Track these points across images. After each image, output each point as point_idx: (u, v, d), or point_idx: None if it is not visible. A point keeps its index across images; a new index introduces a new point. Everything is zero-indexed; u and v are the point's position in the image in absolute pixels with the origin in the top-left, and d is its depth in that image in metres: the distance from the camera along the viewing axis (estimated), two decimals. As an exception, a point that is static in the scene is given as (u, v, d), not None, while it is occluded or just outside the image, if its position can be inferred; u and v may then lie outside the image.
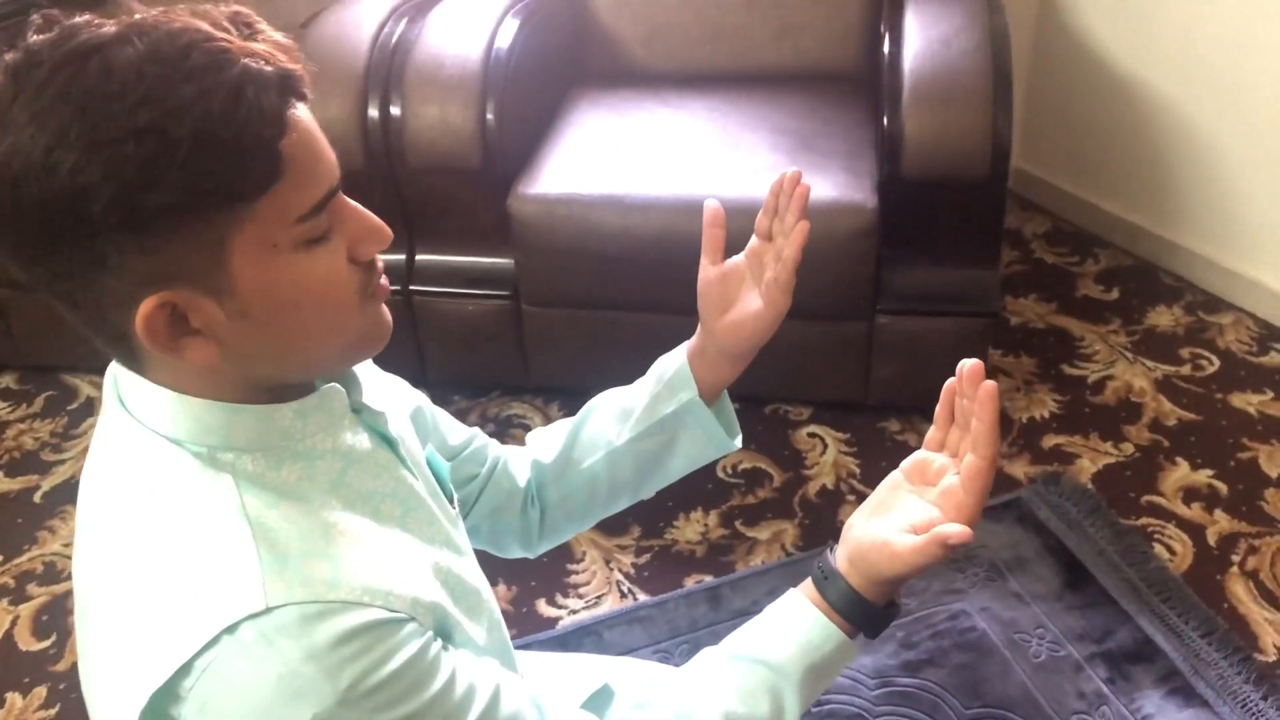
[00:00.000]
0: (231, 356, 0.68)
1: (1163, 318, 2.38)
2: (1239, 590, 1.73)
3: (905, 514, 0.81)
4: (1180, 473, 1.97)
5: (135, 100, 0.59)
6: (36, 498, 2.10)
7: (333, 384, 0.76)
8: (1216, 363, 2.23)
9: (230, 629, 0.63)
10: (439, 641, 0.71)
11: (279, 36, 0.67)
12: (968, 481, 0.77)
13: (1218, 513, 1.88)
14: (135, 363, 0.70)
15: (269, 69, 0.63)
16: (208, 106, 0.60)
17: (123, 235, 0.61)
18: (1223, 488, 1.93)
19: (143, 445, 0.70)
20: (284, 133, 0.63)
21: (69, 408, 2.34)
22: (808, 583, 0.85)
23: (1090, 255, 2.62)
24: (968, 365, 0.79)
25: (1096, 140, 2.65)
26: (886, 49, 2.03)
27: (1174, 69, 2.40)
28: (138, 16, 0.63)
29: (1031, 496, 1.91)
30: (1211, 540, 1.83)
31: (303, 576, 0.65)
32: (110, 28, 0.62)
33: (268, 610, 0.63)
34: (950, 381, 0.81)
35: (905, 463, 0.85)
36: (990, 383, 0.77)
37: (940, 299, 1.98)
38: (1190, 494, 1.92)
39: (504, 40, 2.05)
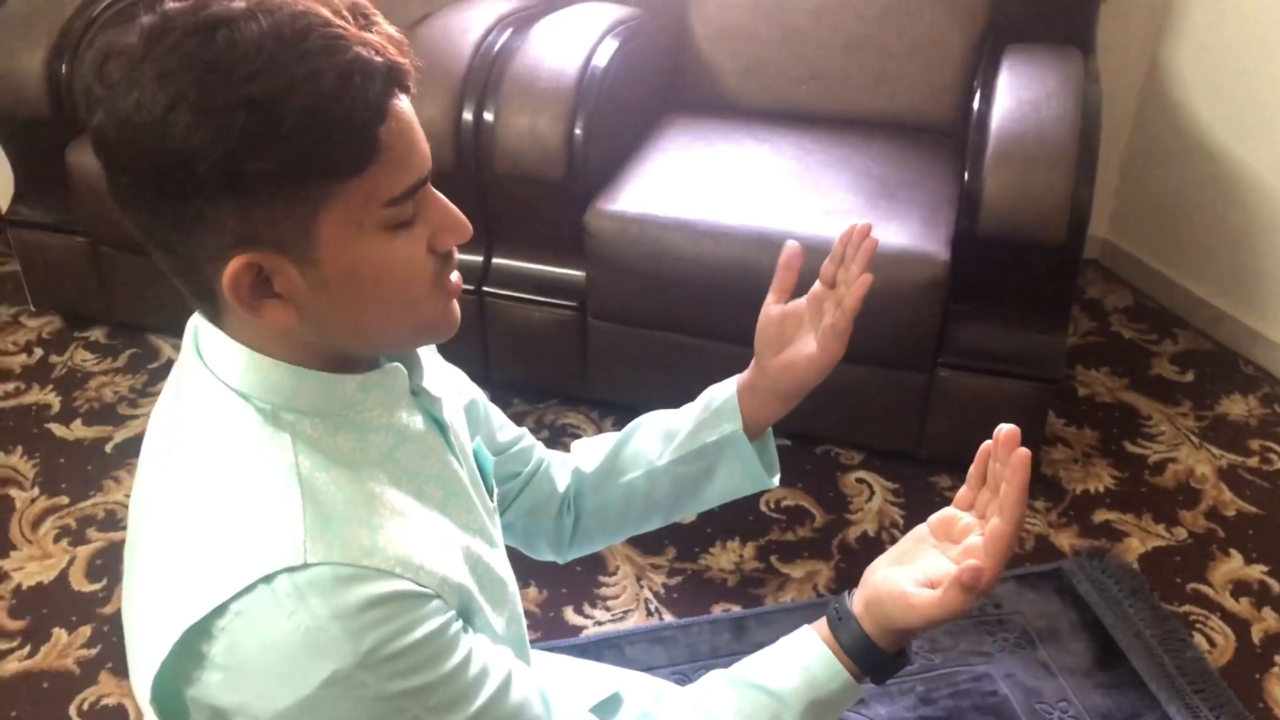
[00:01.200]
0: (307, 323, 0.72)
1: (1236, 406, 2.33)
2: (1278, 693, 1.69)
3: (925, 567, 0.82)
4: (1232, 564, 1.92)
5: (251, 72, 0.63)
6: (108, 448, 2.20)
7: (396, 364, 0.80)
8: (1286, 458, 2.18)
9: (267, 578, 0.66)
10: (460, 622, 0.74)
11: (393, 30, 0.71)
12: (990, 544, 0.78)
13: (1266, 610, 1.83)
14: (217, 317, 0.74)
15: (378, 59, 0.67)
16: (316, 87, 0.64)
17: (223, 196, 0.65)
18: (1275, 585, 1.88)
19: (212, 394, 0.74)
20: (383, 120, 0.67)
21: (149, 366, 2.44)
22: (822, 621, 0.87)
23: (1169, 335, 2.58)
24: (1004, 430, 0.80)
25: (1188, 220, 2.61)
26: (977, 106, 2.04)
27: (1273, 156, 2.36)
28: None
29: (1073, 569, 1.88)
30: (1255, 637, 1.79)
31: (342, 539, 0.69)
32: (240, 3, 0.66)
33: (305, 566, 0.66)
34: (986, 444, 0.82)
35: (933, 518, 0.86)
36: (1024, 450, 0.78)
37: (1003, 359, 1.97)
38: (1240, 587, 1.88)
39: (601, 59, 2.10)
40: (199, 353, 0.76)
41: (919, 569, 0.82)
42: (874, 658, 0.84)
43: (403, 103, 0.70)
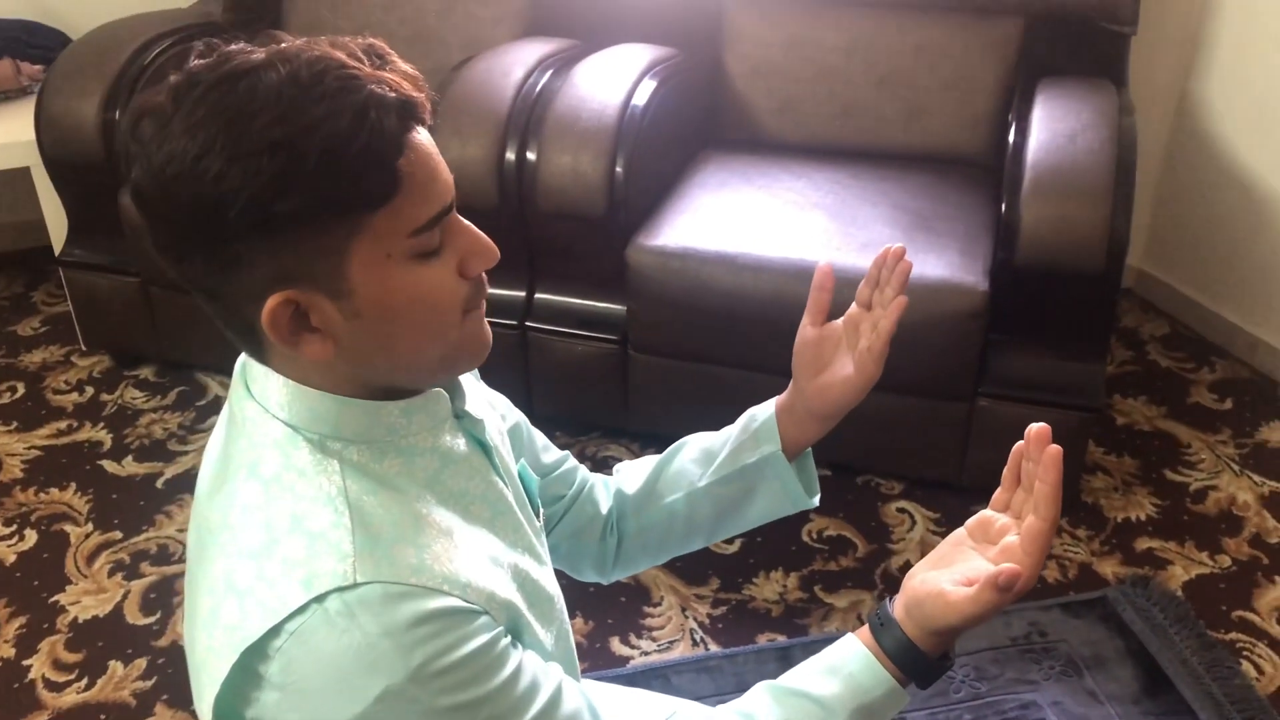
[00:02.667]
0: (345, 354, 0.75)
1: (1275, 433, 2.33)
2: (1328, 719, 1.68)
3: (963, 568, 0.83)
4: (1277, 592, 1.92)
5: (273, 118, 0.67)
6: (159, 484, 2.24)
7: (438, 389, 0.83)
8: (1328, 485, 2.18)
9: (320, 599, 0.69)
10: (509, 637, 0.76)
11: (407, 67, 0.75)
12: (1027, 542, 0.79)
13: (1313, 638, 1.83)
14: (261, 354, 0.78)
15: (392, 95, 0.70)
16: (334, 126, 0.68)
17: (255, 238, 0.69)
18: (1321, 613, 1.88)
19: (262, 427, 0.77)
20: (401, 152, 0.70)
21: (198, 403, 2.49)
22: (864, 628, 0.88)
23: (1207, 363, 2.58)
24: (1035, 428, 0.81)
25: (1222, 248, 2.62)
26: (1012, 138, 2.06)
27: (1310, 184, 2.37)
28: (284, 45, 0.72)
29: (1117, 597, 1.88)
30: (1304, 665, 1.78)
31: (390, 559, 0.71)
32: (259, 55, 0.70)
33: (355, 585, 0.69)
34: (1018, 444, 0.84)
35: (970, 521, 0.87)
36: (1055, 447, 0.79)
37: (1043, 388, 1.98)
38: (1286, 615, 1.88)
39: (641, 99, 2.15)
40: (248, 388, 0.79)
41: (957, 570, 0.83)
42: (917, 661, 0.85)
43: (421, 135, 0.73)
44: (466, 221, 0.78)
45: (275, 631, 0.69)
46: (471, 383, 0.93)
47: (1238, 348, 2.59)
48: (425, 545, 0.74)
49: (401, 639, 0.69)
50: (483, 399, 0.94)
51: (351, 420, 0.77)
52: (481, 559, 0.78)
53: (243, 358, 0.82)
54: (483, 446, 0.87)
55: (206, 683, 0.73)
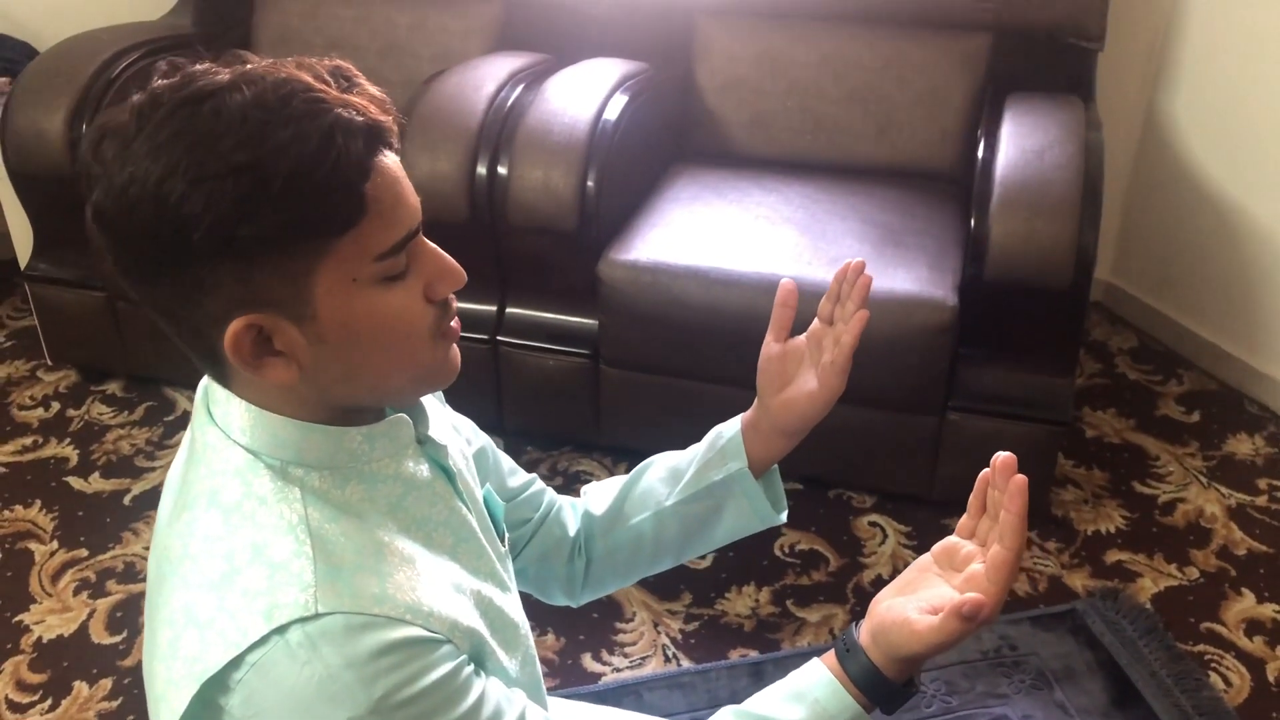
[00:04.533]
0: (309, 378, 0.74)
1: (1242, 445, 2.35)
2: (1294, 730, 1.70)
3: (928, 595, 0.83)
4: (1245, 604, 1.94)
5: (237, 141, 0.66)
6: (126, 500, 2.22)
7: (401, 414, 0.82)
8: (1294, 497, 2.20)
9: (280, 629, 0.68)
10: (472, 666, 0.76)
11: (375, 90, 0.74)
12: (992, 570, 0.79)
13: (1280, 649, 1.85)
14: (224, 378, 0.77)
15: (359, 119, 0.70)
16: (300, 150, 0.67)
17: (219, 261, 0.68)
18: (1288, 624, 1.90)
19: (223, 452, 0.76)
20: (367, 177, 0.70)
21: (166, 419, 2.46)
22: (830, 653, 0.88)
23: (1174, 376, 2.60)
24: (1001, 457, 0.81)
25: (1189, 261, 2.65)
26: (981, 153, 2.08)
27: (1273, 198, 2.40)
28: (249, 66, 0.71)
29: (1087, 609, 1.89)
30: (1271, 676, 1.79)
31: (352, 589, 0.71)
32: (224, 75, 0.70)
33: (316, 616, 0.68)
34: (984, 472, 0.84)
35: (936, 547, 0.87)
36: (1020, 476, 0.79)
37: (1012, 402, 2.00)
38: (1253, 626, 1.89)
39: (612, 113, 2.15)
40: (210, 414, 0.79)
41: (922, 597, 0.83)
42: (882, 687, 0.85)
43: (388, 159, 0.72)
44: (433, 244, 0.77)
45: (236, 663, 0.68)
46: (435, 406, 0.93)
47: (1205, 360, 2.62)
48: (387, 574, 0.73)
49: (364, 670, 0.68)
50: (446, 423, 0.94)
51: (314, 446, 0.76)
52: (444, 587, 0.78)
53: (205, 381, 0.81)
54: (446, 472, 0.87)
55: (166, 715, 0.72)
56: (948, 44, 2.42)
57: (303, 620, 0.68)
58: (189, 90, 0.68)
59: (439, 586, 0.77)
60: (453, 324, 0.80)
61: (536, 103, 2.16)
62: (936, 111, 2.42)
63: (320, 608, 0.69)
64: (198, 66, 0.72)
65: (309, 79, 0.70)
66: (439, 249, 0.78)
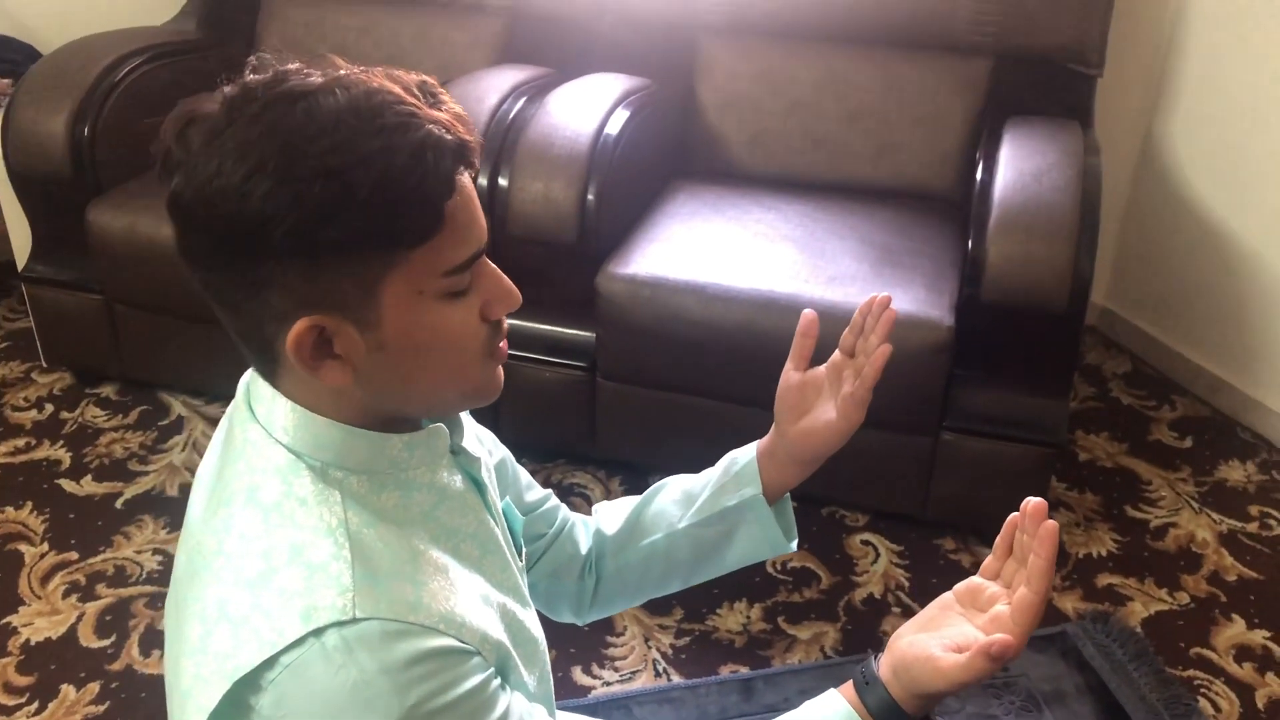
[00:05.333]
0: (362, 383, 0.75)
1: (1235, 472, 2.36)
2: (1283, 757, 1.70)
3: (951, 634, 0.83)
4: (1235, 630, 1.94)
5: (330, 145, 0.67)
6: (118, 504, 2.21)
7: (439, 424, 0.83)
8: (1285, 524, 2.21)
9: (317, 632, 0.68)
10: (499, 679, 0.76)
11: (459, 108, 0.75)
12: (1017, 613, 0.80)
13: (1270, 675, 1.84)
14: (273, 375, 0.77)
15: (448, 137, 0.70)
16: (390, 161, 0.68)
17: (293, 261, 0.69)
18: (1278, 651, 1.89)
19: (264, 450, 0.76)
20: (451, 194, 0.71)
21: (160, 423, 2.46)
22: (848, 685, 0.88)
23: (1168, 401, 2.61)
24: (1032, 503, 0.82)
25: (1185, 288, 2.66)
26: (979, 176, 2.09)
27: (1270, 227, 2.41)
28: (342, 71, 0.72)
29: (1078, 632, 1.89)
30: (1260, 703, 1.79)
31: (389, 595, 0.71)
32: (317, 78, 0.70)
33: (354, 621, 0.68)
34: (1013, 516, 0.85)
35: (959, 586, 0.87)
36: (1051, 523, 0.80)
37: (1007, 423, 2.00)
38: (1243, 653, 1.89)
39: (614, 128, 2.16)
40: (251, 409, 0.79)
41: (945, 635, 0.83)
42: None
43: (466, 178, 0.73)
44: (494, 266, 0.78)
45: (270, 663, 0.68)
46: (466, 419, 0.93)
47: (1198, 387, 2.63)
48: (423, 583, 0.74)
49: (398, 677, 0.68)
50: (474, 434, 0.94)
51: (355, 450, 0.77)
52: (475, 598, 0.78)
53: (247, 377, 0.81)
54: (477, 484, 0.87)
55: (193, 711, 0.71)
56: (948, 67, 2.44)
57: (340, 624, 0.68)
58: (283, 88, 0.69)
59: (470, 598, 0.77)
60: (501, 345, 0.81)
61: (538, 116, 2.17)
62: (936, 133, 2.43)
63: (358, 612, 0.69)
64: (290, 65, 0.72)
65: (400, 90, 0.71)
66: (499, 271, 0.79)
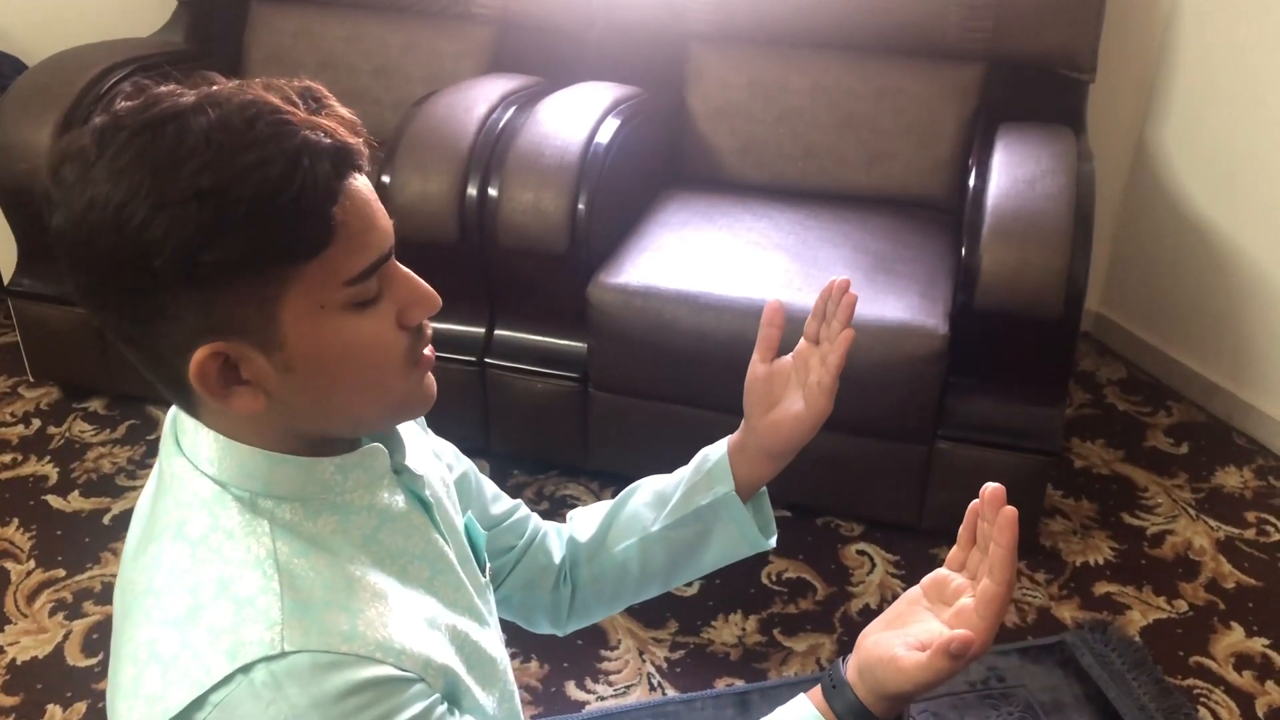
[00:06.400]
0: (277, 408, 0.72)
1: (1231, 478, 2.35)
2: (1284, 767, 1.68)
3: (916, 630, 0.81)
4: (1234, 637, 1.92)
5: (201, 164, 0.64)
6: (106, 519, 2.19)
7: (376, 444, 0.80)
8: (1283, 530, 2.19)
9: (245, 668, 0.66)
10: (445, 705, 0.74)
11: (345, 111, 0.72)
12: (981, 605, 0.77)
13: (1270, 684, 1.83)
14: (190, 407, 0.75)
15: (327, 141, 0.68)
16: (266, 173, 0.65)
17: (182, 288, 0.66)
18: (1277, 659, 1.88)
19: (190, 483, 0.74)
20: (335, 200, 0.68)
21: (148, 438, 2.44)
22: (817, 689, 0.86)
23: (1163, 407, 2.60)
24: (989, 489, 0.79)
25: (1179, 293, 2.65)
26: (972, 183, 2.08)
27: (1262, 231, 2.41)
28: (215, 88, 0.69)
29: (1076, 642, 1.88)
30: (1260, 711, 1.78)
31: (320, 626, 0.69)
32: (189, 98, 0.68)
33: (282, 655, 0.66)
34: (974, 503, 0.82)
35: (925, 579, 0.85)
36: (1010, 509, 0.77)
37: (1002, 431, 1.99)
38: (1242, 661, 1.88)
39: (604, 136, 2.14)
40: (178, 442, 0.77)
41: (910, 632, 0.81)
42: None
43: (358, 181, 0.71)
44: (406, 269, 0.75)
45: (199, 703, 0.66)
46: (414, 433, 0.90)
47: (1193, 392, 2.62)
48: (358, 610, 0.72)
49: (331, 710, 0.66)
50: (426, 450, 0.92)
51: (284, 478, 0.74)
52: (418, 622, 0.76)
53: (174, 410, 0.79)
54: (423, 503, 0.84)
55: None
56: (940, 74, 2.43)
57: (268, 659, 0.66)
58: (151, 113, 0.67)
59: (412, 623, 0.75)
60: (426, 352, 0.78)
61: (528, 125, 2.16)
62: (928, 140, 2.42)
63: (286, 646, 0.67)
64: (162, 88, 0.70)
65: (276, 100, 0.68)
66: (412, 274, 0.76)
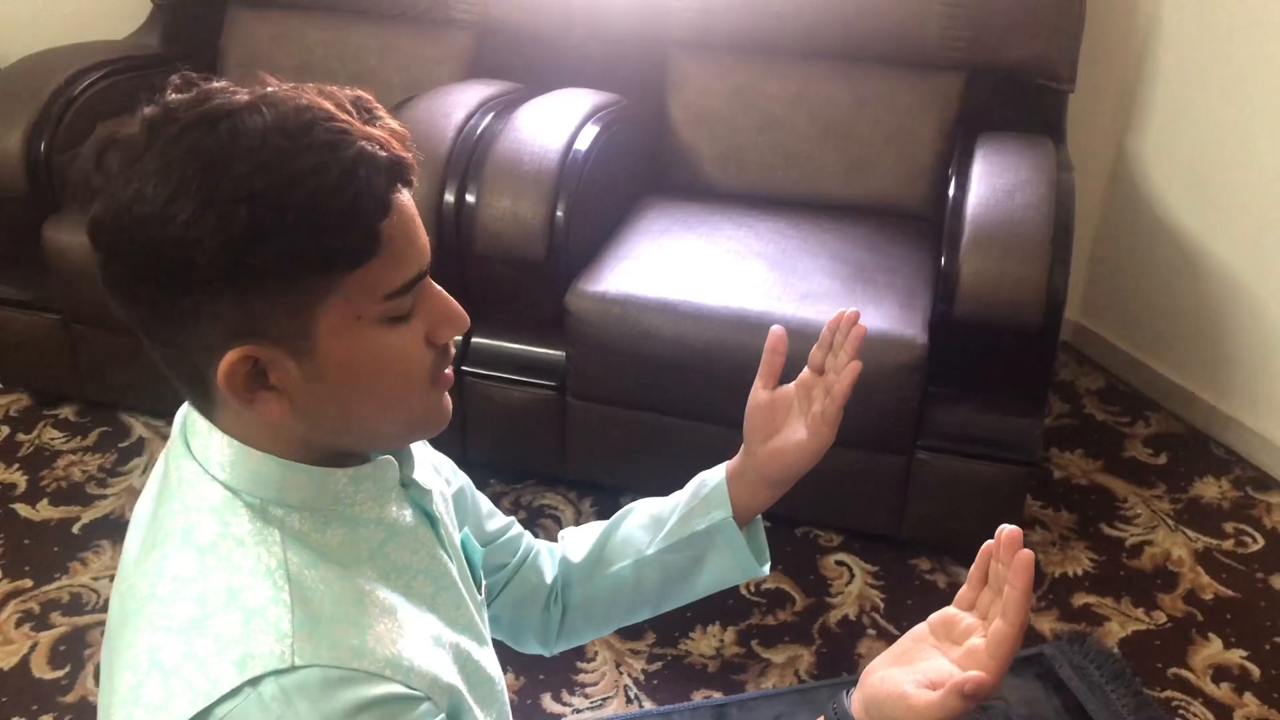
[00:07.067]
0: (300, 416, 0.71)
1: (1209, 489, 2.35)
2: (1262, 779, 1.68)
3: (925, 668, 0.79)
4: (1212, 649, 1.92)
5: (255, 166, 0.63)
6: (75, 529, 2.15)
7: (387, 456, 0.79)
8: (1261, 541, 2.19)
9: (254, 681, 0.64)
10: None
11: (395, 124, 0.71)
12: (993, 646, 0.76)
13: (1248, 696, 1.83)
14: (208, 408, 0.73)
15: (383, 154, 0.67)
16: (321, 181, 0.64)
17: (221, 288, 0.65)
18: (1255, 670, 1.88)
19: (200, 488, 0.73)
20: (386, 214, 0.67)
21: (120, 445, 2.40)
22: None
23: (1142, 417, 2.60)
24: (1006, 531, 0.78)
25: (1158, 304, 2.66)
26: (952, 192, 2.07)
27: (1241, 242, 2.41)
28: (269, 89, 0.68)
29: (1055, 654, 1.87)
30: (1238, 723, 1.78)
31: (331, 640, 0.67)
32: (243, 96, 0.67)
33: (292, 669, 0.65)
34: (988, 544, 0.81)
35: (933, 617, 0.83)
36: (1027, 551, 0.76)
37: (981, 442, 1.98)
38: (1220, 672, 1.87)
39: (583, 143, 2.13)
40: (188, 444, 0.75)
41: (919, 670, 0.79)
42: None
43: (404, 196, 0.70)
44: (439, 288, 0.75)
45: (204, 715, 0.65)
46: (418, 447, 0.89)
47: (1173, 402, 2.62)
48: (368, 626, 0.70)
49: None
50: (428, 463, 0.90)
51: (297, 486, 0.73)
52: (424, 640, 0.74)
53: (184, 410, 0.77)
54: (429, 518, 0.83)
55: None
56: (920, 83, 2.42)
57: (278, 673, 0.65)
58: (206, 107, 0.65)
59: (419, 640, 0.74)
60: (447, 371, 0.77)
61: (506, 131, 2.14)
62: (908, 149, 2.42)
63: (297, 660, 0.65)
64: (215, 84, 0.69)
65: (332, 108, 0.67)
66: (445, 292, 0.75)
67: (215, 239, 0.63)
